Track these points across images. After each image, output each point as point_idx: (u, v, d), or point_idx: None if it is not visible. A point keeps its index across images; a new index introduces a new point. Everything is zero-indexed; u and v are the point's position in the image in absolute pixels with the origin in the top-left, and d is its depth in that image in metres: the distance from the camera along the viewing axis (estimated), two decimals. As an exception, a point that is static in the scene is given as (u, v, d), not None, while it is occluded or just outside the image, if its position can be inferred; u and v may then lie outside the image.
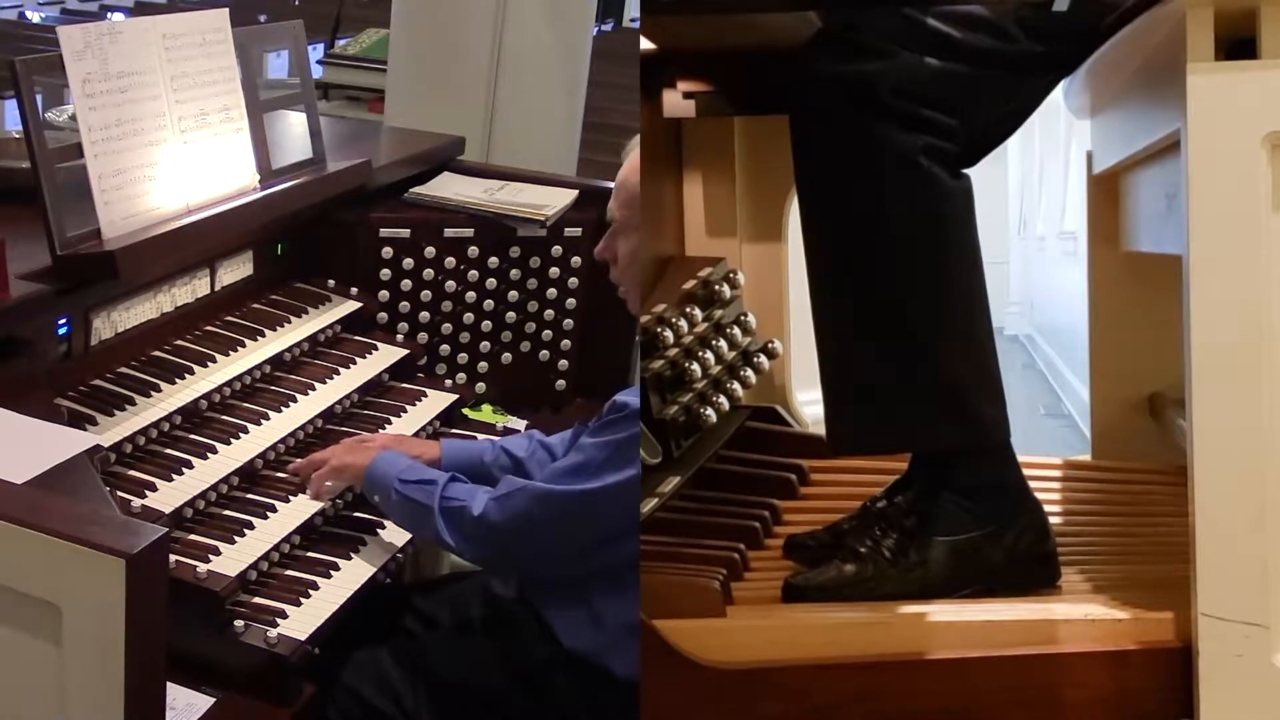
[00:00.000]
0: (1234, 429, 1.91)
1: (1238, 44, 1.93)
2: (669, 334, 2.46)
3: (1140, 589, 2.13)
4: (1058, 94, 2.39)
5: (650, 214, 2.29)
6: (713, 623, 2.05)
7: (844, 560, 2.18)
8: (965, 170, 2.18)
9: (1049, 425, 6.24)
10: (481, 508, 2.24)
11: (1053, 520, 2.44)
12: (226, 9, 2.65)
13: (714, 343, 2.57)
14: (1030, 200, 8.59)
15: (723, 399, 2.54)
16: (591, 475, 2.17)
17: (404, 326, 3.05)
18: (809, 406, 2.78)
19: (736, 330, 2.64)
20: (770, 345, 2.68)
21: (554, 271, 3.14)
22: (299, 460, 2.49)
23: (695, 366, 2.47)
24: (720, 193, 2.78)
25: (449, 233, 3.05)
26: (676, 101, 2.55)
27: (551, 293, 3.15)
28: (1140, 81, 2.25)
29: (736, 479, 2.54)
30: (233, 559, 2.20)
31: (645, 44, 2.44)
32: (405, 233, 3.02)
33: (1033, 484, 2.50)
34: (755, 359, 2.66)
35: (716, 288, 2.63)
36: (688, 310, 2.53)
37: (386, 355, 2.92)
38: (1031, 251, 8.58)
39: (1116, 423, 2.78)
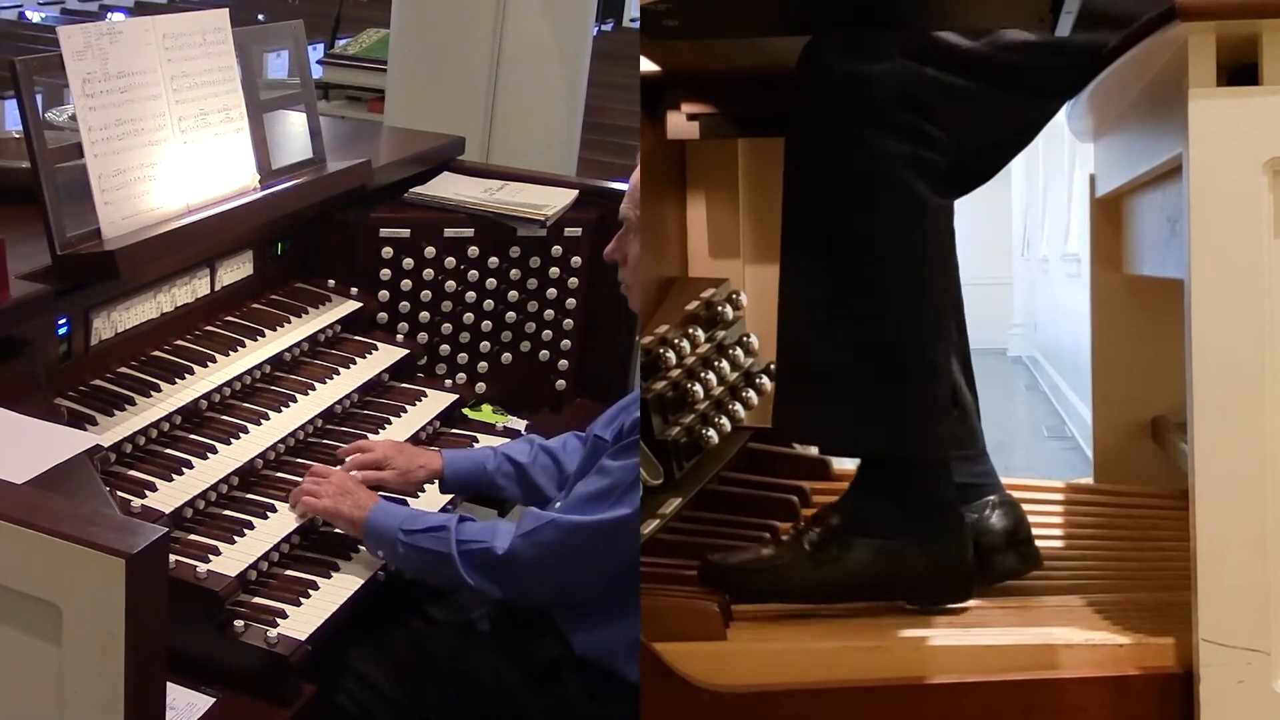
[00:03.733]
0: (1236, 453, 1.90)
1: (1240, 69, 1.93)
2: (671, 355, 2.45)
3: (1142, 614, 2.12)
4: (1061, 116, 2.38)
5: (653, 235, 2.28)
6: (712, 645, 2.03)
7: (763, 544, 2.19)
8: (964, 193, 2.17)
9: (1052, 447, 6.21)
10: (508, 545, 2.19)
11: (1054, 544, 2.43)
12: (226, 9, 2.65)
13: (716, 364, 2.56)
14: (1034, 222, 8.58)
15: (725, 420, 2.53)
16: (618, 500, 2.15)
17: (404, 326, 3.05)
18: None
19: (739, 351, 2.63)
20: (772, 366, 2.65)
21: (554, 271, 3.14)
22: (296, 489, 2.40)
23: (697, 387, 2.47)
24: (724, 214, 2.78)
25: (449, 233, 3.05)
26: (681, 123, 2.56)
27: (551, 293, 3.15)
28: (1143, 106, 2.24)
29: (738, 500, 2.53)
30: (233, 559, 2.20)
31: (648, 65, 2.44)
32: (405, 233, 3.02)
33: (1034, 506, 2.49)
34: (757, 380, 2.65)
35: (719, 309, 2.63)
36: (690, 331, 2.52)
37: (386, 355, 2.92)
38: (1035, 273, 8.60)
39: (1119, 446, 2.78)
